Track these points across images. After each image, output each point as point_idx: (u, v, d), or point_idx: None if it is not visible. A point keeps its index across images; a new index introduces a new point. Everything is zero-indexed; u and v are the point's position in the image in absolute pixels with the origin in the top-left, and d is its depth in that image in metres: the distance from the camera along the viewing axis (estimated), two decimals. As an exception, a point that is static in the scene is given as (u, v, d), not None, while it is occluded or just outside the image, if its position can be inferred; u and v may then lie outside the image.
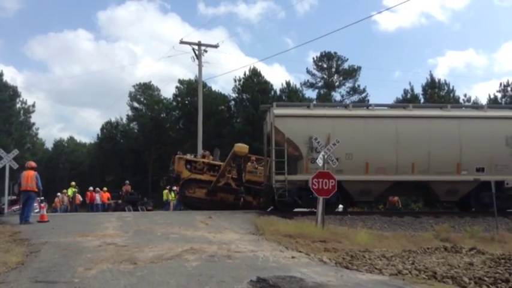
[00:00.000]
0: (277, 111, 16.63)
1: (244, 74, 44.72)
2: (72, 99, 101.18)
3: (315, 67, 49.90)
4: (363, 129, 16.22)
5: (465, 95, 40.92)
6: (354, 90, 49.06)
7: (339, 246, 8.94)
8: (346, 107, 18.04)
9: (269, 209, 17.77)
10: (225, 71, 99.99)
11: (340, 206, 19.05)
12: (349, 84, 49.57)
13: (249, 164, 19.05)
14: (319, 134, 14.61)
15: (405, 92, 41.45)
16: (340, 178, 14.98)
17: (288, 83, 44.61)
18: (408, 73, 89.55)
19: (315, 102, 40.12)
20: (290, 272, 6.12)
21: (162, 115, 51.67)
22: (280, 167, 16.10)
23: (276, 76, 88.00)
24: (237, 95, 45.64)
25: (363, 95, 48.33)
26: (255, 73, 44.72)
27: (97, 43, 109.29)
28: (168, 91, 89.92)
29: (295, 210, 16.28)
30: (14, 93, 43.59)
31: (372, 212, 17.89)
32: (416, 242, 10.60)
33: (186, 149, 24.78)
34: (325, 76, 49.85)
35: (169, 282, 5.52)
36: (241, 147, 17.21)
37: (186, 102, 47.65)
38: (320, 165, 12.93)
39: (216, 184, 18.07)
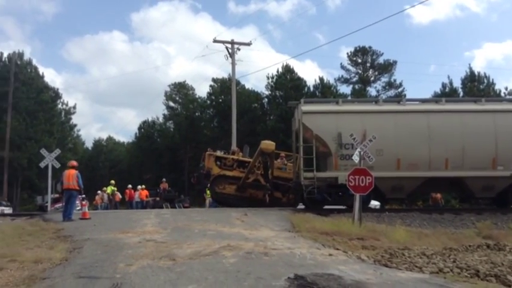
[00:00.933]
0: (305, 107, 16.51)
1: (277, 71, 44.78)
2: (110, 99, 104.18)
3: (349, 62, 49.33)
4: (394, 124, 15.93)
5: (506, 88, 39.39)
6: (390, 85, 48.18)
7: (377, 244, 8.79)
8: (376, 102, 17.67)
9: (298, 206, 17.74)
10: (256, 69, 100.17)
11: (377, 203, 18.77)
12: (384, 79, 48.76)
13: (279, 160, 19.11)
14: (349, 130, 14.44)
15: (443, 85, 40.43)
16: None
17: (321, 79, 44.36)
18: (444, 67, 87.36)
19: (349, 97, 39.76)
20: (328, 270, 6.07)
21: (196, 114, 52.35)
22: (309, 163, 15.99)
23: (309, 72, 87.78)
24: (270, 92, 45.72)
25: (400, 89, 47.41)
26: (287, 70, 44.67)
27: (131, 44, 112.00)
28: (201, 90, 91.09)
29: (327, 207, 16.17)
30: (55, 94, 45.09)
31: (411, 209, 17.55)
32: (458, 240, 10.30)
33: (220, 147, 24.98)
34: (360, 71, 49.19)
35: (208, 278, 5.58)
36: (267, 144, 17.24)
37: (220, 100, 48.08)
38: (356, 161, 12.76)
39: (245, 180, 18.20)
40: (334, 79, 49.42)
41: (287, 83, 43.36)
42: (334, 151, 15.77)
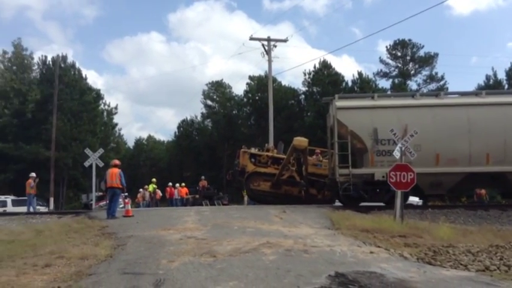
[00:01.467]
0: (340, 103, 16.31)
1: (314, 67, 44.44)
2: (149, 99, 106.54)
3: (388, 56, 48.36)
4: (432, 118, 15.52)
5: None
6: (431, 78, 46.92)
7: (420, 242, 8.58)
8: (413, 96, 17.22)
9: (336, 202, 17.56)
10: (292, 65, 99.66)
11: (416, 199, 18.36)
12: (425, 72, 47.52)
13: (314, 156, 19.02)
14: (385, 125, 14.41)
15: (487, 78, 39.11)
16: None
17: (360, 74, 43.73)
18: (487, 58, 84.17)
19: (389, 92, 38.99)
20: (369, 268, 5.99)
21: (234, 112, 52.70)
22: (344, 160, 15.84)
23: (346, 67, 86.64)
24: (307, 88, 45.45)
25: (441, 82, 46.09)
26: (325, 65, 44.26)
27: (169, 45, 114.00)
28: (238, 88, 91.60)
29: (365, 204, 15.94)
30: (97, 95, 46.47)
31: (455, 205, 17.02)
32: (504, 237, 9.89)
33: (257, 144, 25.05)
34: (400, 65, 48.16)
35: (248, 275, 5.62)
36: (300, 141, 17.08)
37: (257, 98, 48.18)
38: (397, 157, 12.49)
39: (280, 177, 18.13)
40: (373, 73, 48.69)
41: (324, 78, 42.99)
42: (370, 147, 15.55)
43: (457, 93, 18.00)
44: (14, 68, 43.69)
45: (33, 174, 20.50)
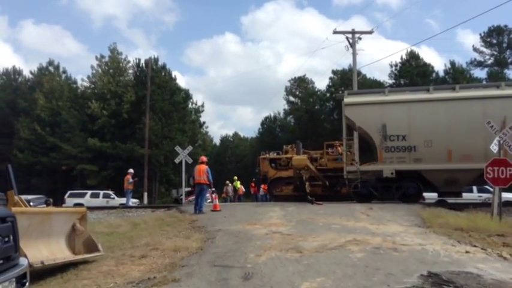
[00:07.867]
0: (348, 99, 16.34)
1: (401, 58, 42.78)
2: (228, 98, 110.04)
3: (482, 44, 45.07)
4: (445, 113, 15.03)
5: None
6: (532, 65, 43.00)
7: (521, 242, 7.94)
8: (427, 90, 16.36)
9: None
10: (369, 60, 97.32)
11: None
12: (525, 60, 43.62)
13: (333, 149, 18.98)
14: (394, 121, 14.83)
15: None
16: (419, 167, 14.88)
17: (452, 63, 41.39)
18: None
19: (484, 82, 36.52)
20: (465, 268, 5.67)
21: (316, 107, 52.30)
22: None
23: (429, 58, 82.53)
24: (393, 81, 43.87)
25: (545, 69, 42.06)
26: (412, 56, 42.45)
27: (244, 45, 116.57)
28: (318, 84, 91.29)
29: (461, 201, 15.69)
30: (186, 95, 48.34)
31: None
32: None
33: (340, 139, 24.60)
34: (496, 53, 44.67)
35: (336, 272, 5.57)
36: (299, 160, 16.62)
37: (340, 92, 47.31)
38: (495, 151, 11.66)
39: (297, 182, 17.51)
40: (466, 63, 45.71)
41: (412, 70, 41.26)
42: (378, 143, 15.34)
43: (473, 86, 17.72)
44: (111, 71, 46.64)
45: (131, 171, 21.74)
